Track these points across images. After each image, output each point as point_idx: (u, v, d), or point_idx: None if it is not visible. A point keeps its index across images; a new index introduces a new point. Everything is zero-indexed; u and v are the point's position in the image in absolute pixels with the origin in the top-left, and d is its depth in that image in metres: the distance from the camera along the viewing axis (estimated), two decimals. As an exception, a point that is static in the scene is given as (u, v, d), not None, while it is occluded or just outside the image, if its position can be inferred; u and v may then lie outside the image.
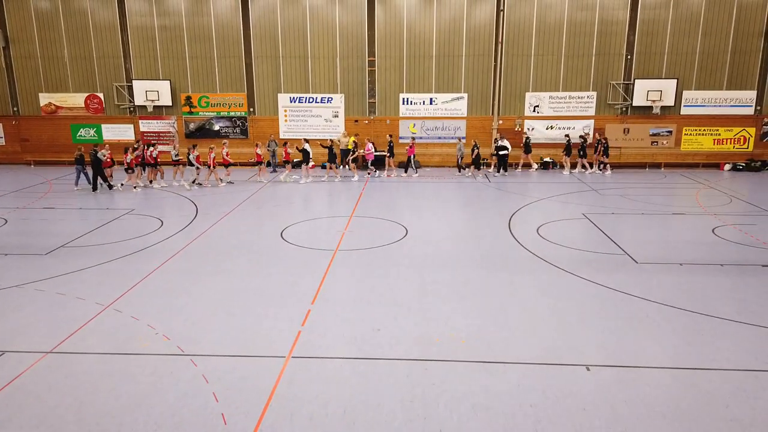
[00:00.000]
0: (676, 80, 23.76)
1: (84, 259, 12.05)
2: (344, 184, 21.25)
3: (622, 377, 7.27)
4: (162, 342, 8.28)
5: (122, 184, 20.37)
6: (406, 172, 23.19)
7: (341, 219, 15.73)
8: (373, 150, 22.75)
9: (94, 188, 19.91)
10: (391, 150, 22.96)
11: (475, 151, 22.55)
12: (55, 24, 24.65)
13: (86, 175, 20.32)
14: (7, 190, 20.14)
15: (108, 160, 20.30)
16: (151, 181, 20.96)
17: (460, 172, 23.41)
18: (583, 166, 23.73)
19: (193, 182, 20.81)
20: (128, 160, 19.99)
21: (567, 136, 23.64)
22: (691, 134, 24.51)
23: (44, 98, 25.47)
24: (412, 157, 23.08)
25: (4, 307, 9.63)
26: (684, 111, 24.31)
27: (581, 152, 23.51)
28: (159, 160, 21.04)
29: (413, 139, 23.43)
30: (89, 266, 11.61)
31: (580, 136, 23.68)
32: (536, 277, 10.98)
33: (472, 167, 22.89)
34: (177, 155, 21.13)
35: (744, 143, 24.46)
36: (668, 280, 10.78)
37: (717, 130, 24.39)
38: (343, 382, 7.18)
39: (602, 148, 23.20)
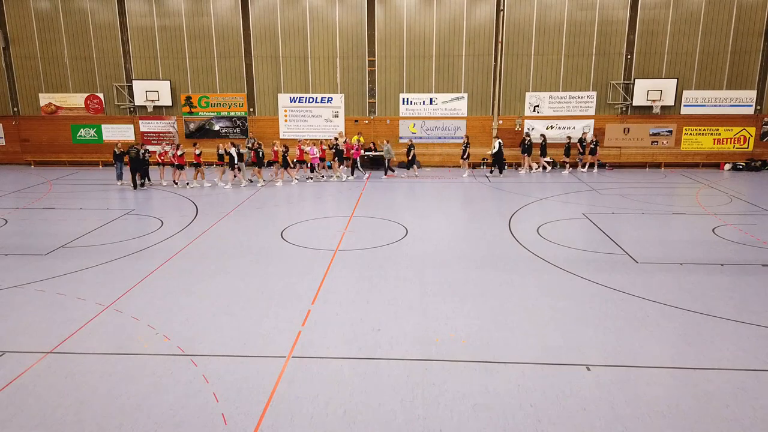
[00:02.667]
0: (676, 80, 23.76)
1: (84, 260, 12.06)
2: (347, 184, 21.24)
3: (623, 377, 7.27)
4: (162, 342, 8.29)
5: (188, 184, 20.82)
6: (353, 173, 22.72)
7: (341, 219, 15.74)
8: (317, 154, 21.62)
9: (135, 186, 20.51)
10: (339, 153, 22.13)
11: (411, 151, 22.46)
12: (54, 24, 24.65)
13: (120, 170, 21.33)
14: (7, 190, 20.15)
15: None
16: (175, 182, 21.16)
17: (386, 174, 22.66)
18: (583, 165, 23.81)
19: (250, 180, 21.46)
20: (179, 155, 20.63)
21: (527, 135, 23.58)
22: (691, 134, 24.51)
23: (44, 98, 25.48)
24: (357, 159, 22.70)
25: (4, 307, 9.64)
26: (684, 111, 24.31)
27: (581, 152, 23.60)
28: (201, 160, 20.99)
29: (359, 141, 23.05)
30: (89, 266, 11.62)
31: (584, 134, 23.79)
32: (536, 277, 10.98)
33: (414, 167, 22.88)
34: (224, 154, 21.15)
35: (744, 143, 24.46)
36: (668, 280, 10.78)
37: (717, 129, 24.38)
38: (344, 382, 7.18)
39: (564, 148, 23.62)
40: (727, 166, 24.35)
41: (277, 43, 24.53)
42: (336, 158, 22.13)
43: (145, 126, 25.62)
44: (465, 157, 22.74)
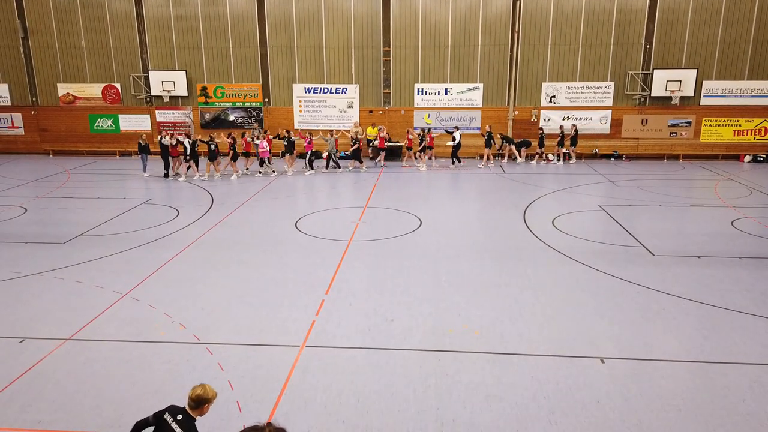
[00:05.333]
0: (696, 70, 23.34)
1: (102, 248, 12.21)
2: (359, 175, 21.23)
3: (637, 370, 7.23)
4: (178, 330, 8.39)
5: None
6: (311, 168, 21.75)
7: (355, 209, 15.75)
8: (267, 147, 20.93)
9: (166, 175, 20.66)
10: (291, 145, 21.38)
11: (356, 144, 21.81)
12: (72, 14, 24.82)
13: (144, 161, 21.35)
14: (26, 179, 20.44)
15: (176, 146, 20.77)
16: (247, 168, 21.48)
17: (327, 168, 21.87)
18: (559, 157, 23.59)
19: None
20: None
21: (489, 128, 23.13)
22: (710, 125, 24.11)
23: (62, 88, 25.71)
24: (309, 153, 21.62)
25: (24, 294, 9.81)
26: (704, 101, 23.90)
27: (560, 142, 23.24)
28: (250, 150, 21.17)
29: (310, 134, 22.10)
30: (107, 255, 11.76)
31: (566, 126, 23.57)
32: (551, 269, 10.92)
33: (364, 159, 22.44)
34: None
35: (765, 134, 24.01)
36: (685, 273, 10.66)
37: (737, 120, 23.96)
38: (357, 372, 7.22)
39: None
40: (747, 158, 23.93)
41: (292, 32, 24.50)
42: (287, 152, 21.40)
43: (162, 116, 25.78)
44: (422, 149, 22.27)
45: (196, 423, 4.28)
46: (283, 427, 3.41)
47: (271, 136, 21.73)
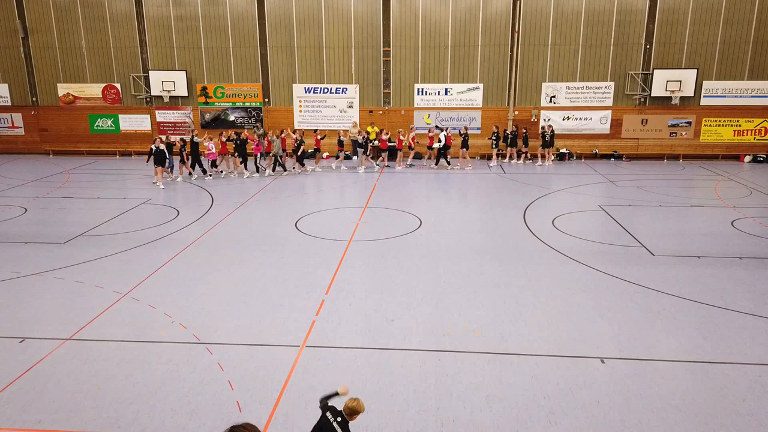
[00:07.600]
0: (696, 70, 23.35)
1: (102, 248, 12.21)
2: (359, 175, 21.23)
3: (637, 370, 7.23)
4: (178, 330, 8.39)
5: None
6: (255, 170, 21.28)
7: (356, 210, 15.75)
8: (214, 149, 20.61)
9: (189, 173, 20.66)
10: (241, 148, 20.85)
11: (301, 147, 21.36)
12: (72, 14, 24.82)
13: (171, 162, 20.69)
14: (26, 179, 20.44)
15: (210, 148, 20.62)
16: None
17: (274, 171, 21.37)
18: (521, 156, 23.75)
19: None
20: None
21: (466, 128, 23.04)
22: (710, 125, 24.12)
23: (62, 88, 25.71)
24: (258, 156, 21.16)
25: (24, 294, 9.81)
26: (704, 102, 23.90)
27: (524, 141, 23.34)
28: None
29: (260, 133, 21.70)
30: (107, 255, 11.76)
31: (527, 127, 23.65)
32: (551, 269, 10.92)
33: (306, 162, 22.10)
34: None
35: (765, 134, 24.01)
36: (685, 273, 10.66)
37: (737, 121, 23.96)
38: (357, 372, 7.22)
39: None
40: (747, 158, 23.94)
41: (292, 32, 24.50)
42: (237, 153, 20.98)
43: (162, 116, 25.78)
44: (366, 152, 22.10)
45: (349, 425, 4.95)
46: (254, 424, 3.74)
47: (224, 138, 21.17)
